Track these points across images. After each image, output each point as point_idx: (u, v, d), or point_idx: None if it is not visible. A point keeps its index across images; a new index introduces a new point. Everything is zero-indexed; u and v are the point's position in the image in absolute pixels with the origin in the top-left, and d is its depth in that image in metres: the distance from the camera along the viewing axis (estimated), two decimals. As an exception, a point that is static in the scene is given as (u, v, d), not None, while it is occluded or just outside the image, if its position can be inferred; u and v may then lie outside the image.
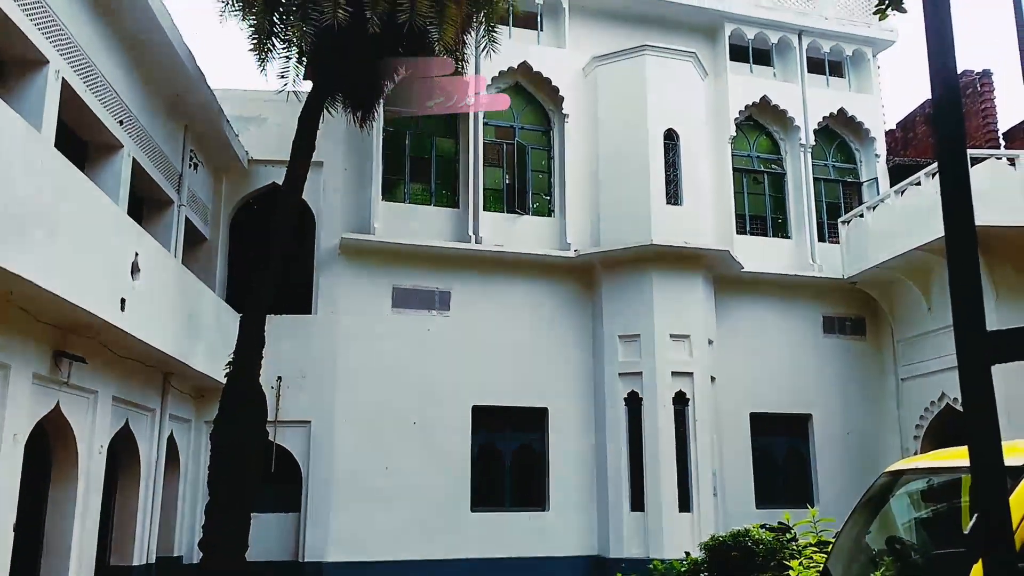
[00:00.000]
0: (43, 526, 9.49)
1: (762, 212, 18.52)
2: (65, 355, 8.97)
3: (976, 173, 13.77)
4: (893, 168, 18.91)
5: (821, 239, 18.33)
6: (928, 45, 1.55)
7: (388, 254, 15.62)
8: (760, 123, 18.90)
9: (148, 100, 12.31)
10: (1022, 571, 1.55)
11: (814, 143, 18.69)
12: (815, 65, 19.20)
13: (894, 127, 21.46)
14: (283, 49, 12.45)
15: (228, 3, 12.06)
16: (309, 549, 14.38)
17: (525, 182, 17.09)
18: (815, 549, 8.07)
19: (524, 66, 17.02)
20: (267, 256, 11.53)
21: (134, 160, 11.76)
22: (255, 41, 11.85)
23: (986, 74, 19.40)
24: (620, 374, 15.80)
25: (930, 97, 1.58)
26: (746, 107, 18.40)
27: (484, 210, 16.35)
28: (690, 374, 15.71)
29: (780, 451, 17.40)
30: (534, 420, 16.06)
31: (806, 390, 17.41)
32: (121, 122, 11.27)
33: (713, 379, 16.25)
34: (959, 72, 1.58)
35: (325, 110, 12.83)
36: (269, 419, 12.30)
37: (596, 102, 17.17)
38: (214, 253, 15.45)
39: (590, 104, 17.22)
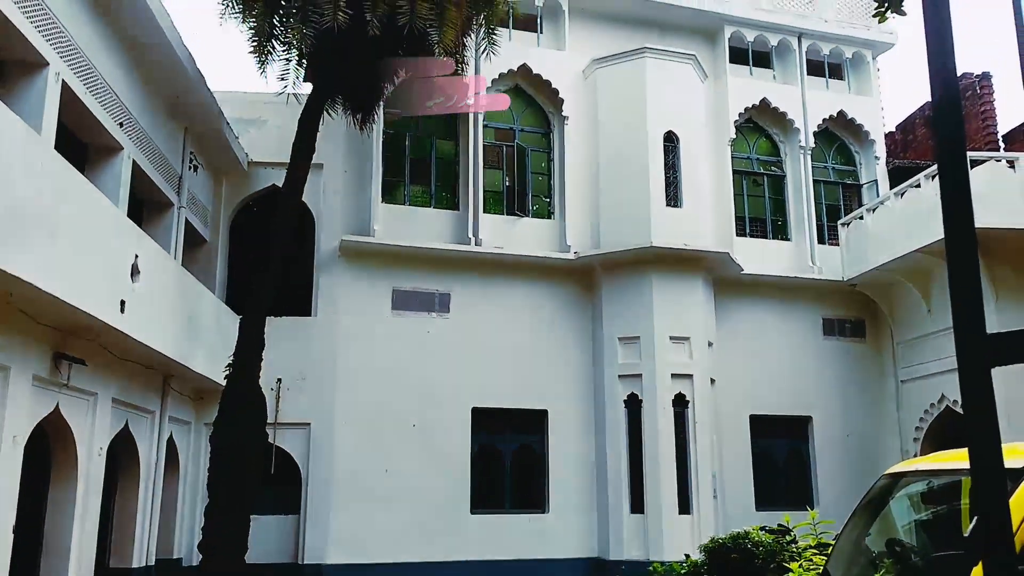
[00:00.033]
0: (43, 528, 9.49)
1: (762, 214, 18.52)
2: (65, 357, 8.97)
3: (976, 175, 13.78)
4: (893, 170, 18.91)
5: (821, 241, 18.34)
6: (928, 48, 1.55)
7: (388, 256, 15.62)
8: (760, 125, 18.90)
9: (148, 102, 12.32)
10: (1022, 573, 1.55)
11: (814, 145, 18.70)
12: (815, 67, 19.22)
13: (894, 129, 21.47)
14: (283, 51, 12.44)
15: (228, 5, 12.06)
16: (309, 551, 14.37)
17: (525, 184, 17.09)
18: (815, 551, 8.07)
19: (524, 68, 17.03)
20: (267, 258, 11.53)
21: (134, 162, 11.76)
22: (255, 43, 11.85)
23: (986, 77, 19.42)
24: (620, 376, 15.79)
25: (930, 99, 1.58)
26: (746, 109, 18.41)
27: (484, 212, 16.35)
28: (690, 376, 15.71)
29: (780, 453, 17.39)
30: (534, 422, 16.06)
31: (806, 392, 17.40)
32: (121, 124, 11.28)
33: (713, 381, 16.24)
34: (959, 75, 1.58)
35: (325, 112, 12.83)
36: (269, 421, 12.29)
37: (596, 104, 17.18)
38: (214, 255, 15.45)
39: (590, 106, 17.23)
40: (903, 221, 15.77)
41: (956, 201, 1.48)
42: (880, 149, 19.11)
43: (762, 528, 9.36)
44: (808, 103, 18.71)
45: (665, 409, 15.40)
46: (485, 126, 16.80)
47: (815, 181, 18.64)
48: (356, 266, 15.57)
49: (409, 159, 16.67)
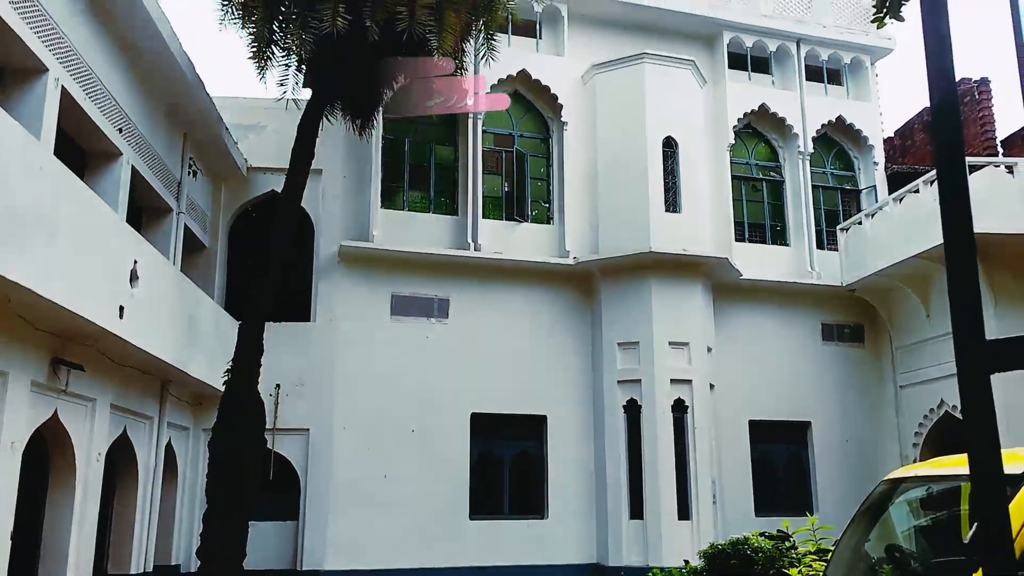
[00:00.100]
0: (41, 534, 9.46)
1: (761, 220, 18.54)
2: (63, 363, 8.96)
3: (974, 181, 13.81)
4: (891, 176, 18.93)
5: (820, 247, 18.35)
6: (926, 53, 1.55)
7: (387, 261, 15.62)
8: (759, 131, 18.93)
9: (147, 108, 12.32)
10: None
11: (812, 151, 18.72)
12: (813, 73, 19.25)
13: (892, 135, 21.50)
14: (282, 57, 12.47)
15: (228, 11, 12.07)
16: (307, 557, 14.34)
17: (524, 190, 17.10)
18: (814, 557, 8.06)
19: (523, 74, 17.06)
20: (266, 264, 11.52)
21: (133, 168, 11.77)
22: (255, 49, 11.87)
23: (984, 82, 19.45)
24: (619, 381, 15.79)
25: (928, 105, 1.58)
26: (745, 115, 18.44)
27: (483, 217, 16.35)
28: (689, 381, 15.70)
29: (779, 459, 17.38)
30: (533, 428, 16.04)
31: (805, 398, 17.40)
32: (120, 130, 11.28)
33: (712, 386, 16.23)
34: (957, 80, 1.58)
35: (324, 118, 12.84)
36: (268, 427, 12.27)
37: (595, 110, 17.20)
38: (213, 261, 15.45)
39: (589, 112, 17.25)
40: (902, 226, 15.78)
41: (955, 206, 1.48)
42: (879, 154, 19.15)
43: (761, 534, 9.36)
44: (807, 108, 18.74)
45: (664, 414, 15.39)
46: (484, 132, 16.82)
47: (814, 186, 18.66)
48: (355, 271, 15.57)
49: (408, 164, 16.68)
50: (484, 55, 14.01)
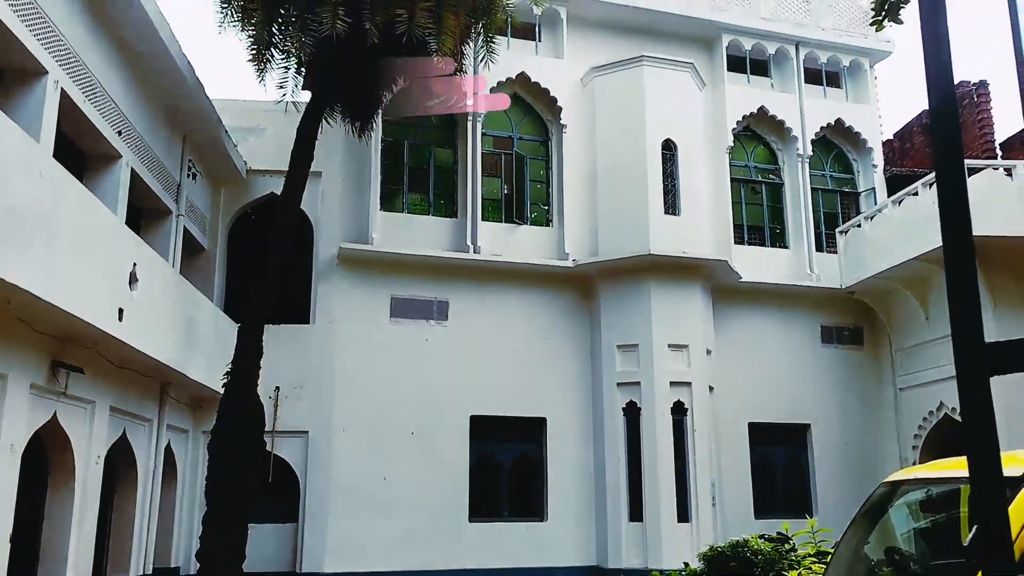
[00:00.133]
0: (40, 536, 9.45)
1: (760, 222, 18.55)
2: (63, 365, 8.95)
3: (973, 183, 13.82)
4: (890, 178, 18.96)
5: (819, 249, 18.36)
6: (925, 56, 1.55)
7: (386, 264, 15.63)
8: (758, 133, 18.95)
9: (147, 110, 12.33)
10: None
11: (812, 153, 18.74)
12: (812, 76, 19.27)
13: (891, 137, 21.52)
14: (282, 59, 12.46)
15: (227, 13, 12.07)
16: (306, 559, 14.33)
17: (523, 192, 17.11)
18: (814, 559, 8.06)
19: (522, 77, 17.07)
20: (265, 266, 11.51)
21: (132, 170, 11.77)
22: (254, 51, 11.86)
23: (983, 85, 19.47)
24: (618, 384, 15.78)
25: (927, 107, 1.58)
26: (744, 117, 18.46)
27: (482, 220, 16.36)
28: (688, 384, 15.70)
29: (779, 461, 17.38)
30: (532, 430, 16.03)
31: (804, 400, 17.40)
32: (120, 132, 11.28)
33: (711, 389, 16.23)
34: (956, 83, 1.59)
35: (324, 120, 12.84)
36: (267, 429, 12.26)
37: (594, 112, 17.21)
38: (212, 263, 15.45)
39: (588, 114, 17.26)
40: (901, 229, 15.79)
41: (954, 209, 1.49)
42: (878, 157, 19.17)
43: (761, 536, 9.37)
44: (806, 111, 18.76)
45: (663, 417, 15.39)
46: (483, 134, 16.83)
47: (813, 189, 18.67)
48: (354, 274, 15.57)
49: (408, 167, 16.69)
50: (483, 58, 14.01)
